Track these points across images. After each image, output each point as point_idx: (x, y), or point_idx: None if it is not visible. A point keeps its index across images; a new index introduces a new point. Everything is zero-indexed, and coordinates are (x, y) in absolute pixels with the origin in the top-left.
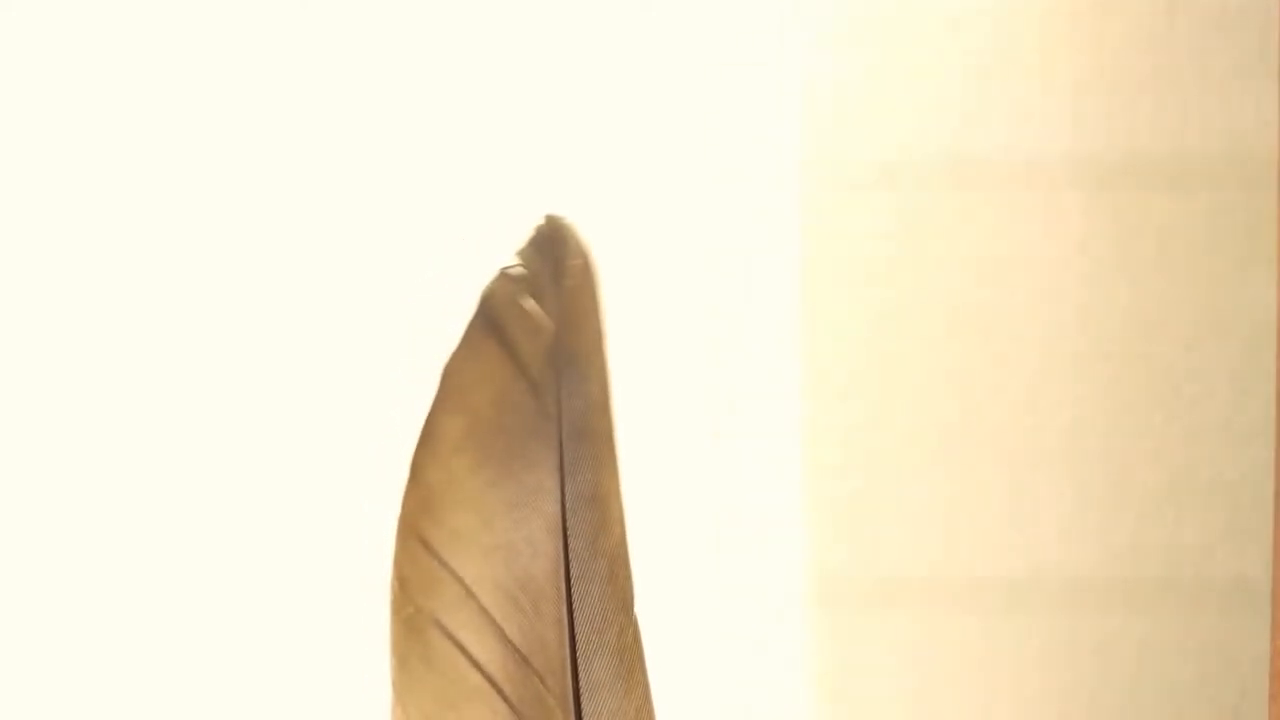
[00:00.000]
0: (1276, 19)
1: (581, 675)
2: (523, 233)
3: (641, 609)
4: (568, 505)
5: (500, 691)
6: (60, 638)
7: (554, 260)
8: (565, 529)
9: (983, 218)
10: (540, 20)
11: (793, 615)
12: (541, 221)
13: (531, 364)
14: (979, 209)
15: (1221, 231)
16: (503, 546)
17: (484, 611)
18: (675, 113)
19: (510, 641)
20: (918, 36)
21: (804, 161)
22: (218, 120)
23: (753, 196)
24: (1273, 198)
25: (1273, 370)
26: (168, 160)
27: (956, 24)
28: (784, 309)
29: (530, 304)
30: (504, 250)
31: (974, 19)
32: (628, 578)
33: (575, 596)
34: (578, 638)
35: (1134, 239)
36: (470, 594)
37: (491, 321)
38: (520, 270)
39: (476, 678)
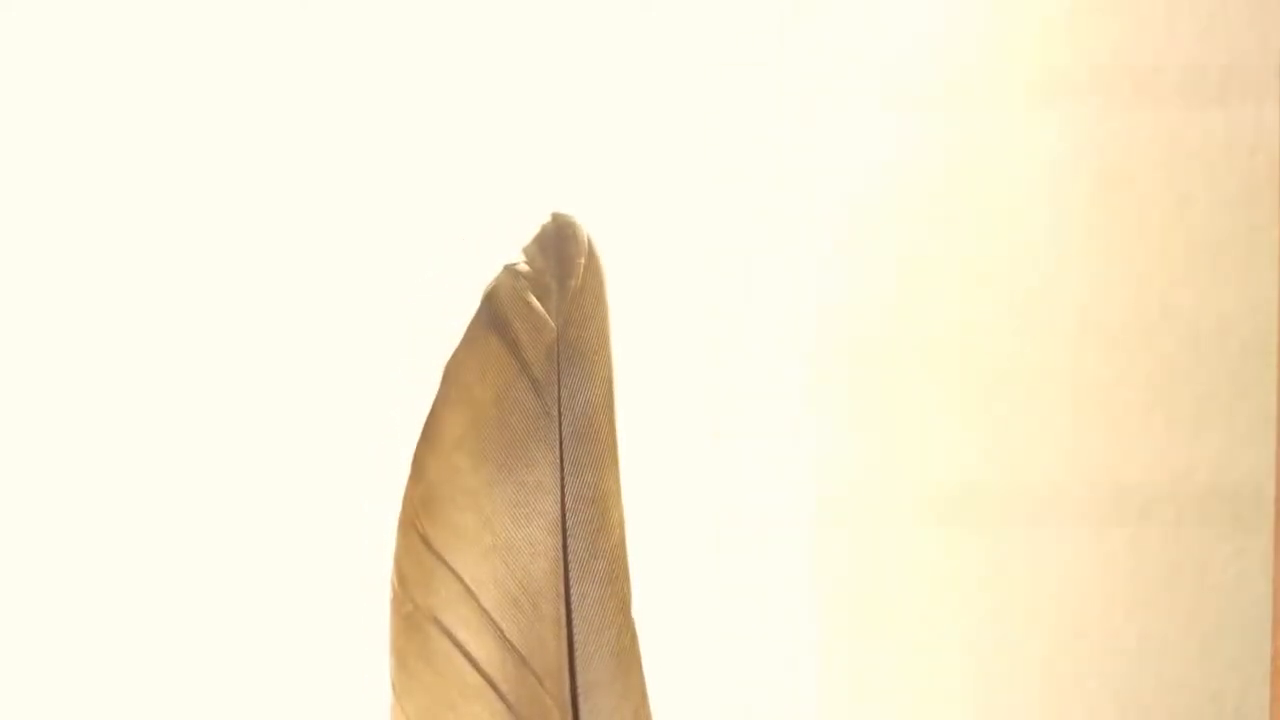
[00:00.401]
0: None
1: (579, 676)
2: (524, 232)
3: (641, 609)
4: (568, 505)
5: (498, 691)
6: (60, 638)
7: (560, 258)
8: (565, 529)
9: (983, 221)
10: (541, 20)
11: (793, 614)
12: (548, 219)
13: (534, 362)
14: (979, 212)
15: (1222, 231)
16: (502, 545)
17: (483, 610)
18: (675, 113)
19: (508, 641)
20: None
21: (805, 165)
22: (219, 120)
23: (753, 196)
24: (1274, 197)
25: (1273, 370)
26: (168, 160)
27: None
28: (784, 309)
29: (534, 301)
30: (503, 250)
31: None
32: (626, 579)
33: (574, 597)
34: (576, 638)
35: (1135, 236)
36: (469, 592)
37: (495, 317)
38: (525, 267)
39: (474, 677)
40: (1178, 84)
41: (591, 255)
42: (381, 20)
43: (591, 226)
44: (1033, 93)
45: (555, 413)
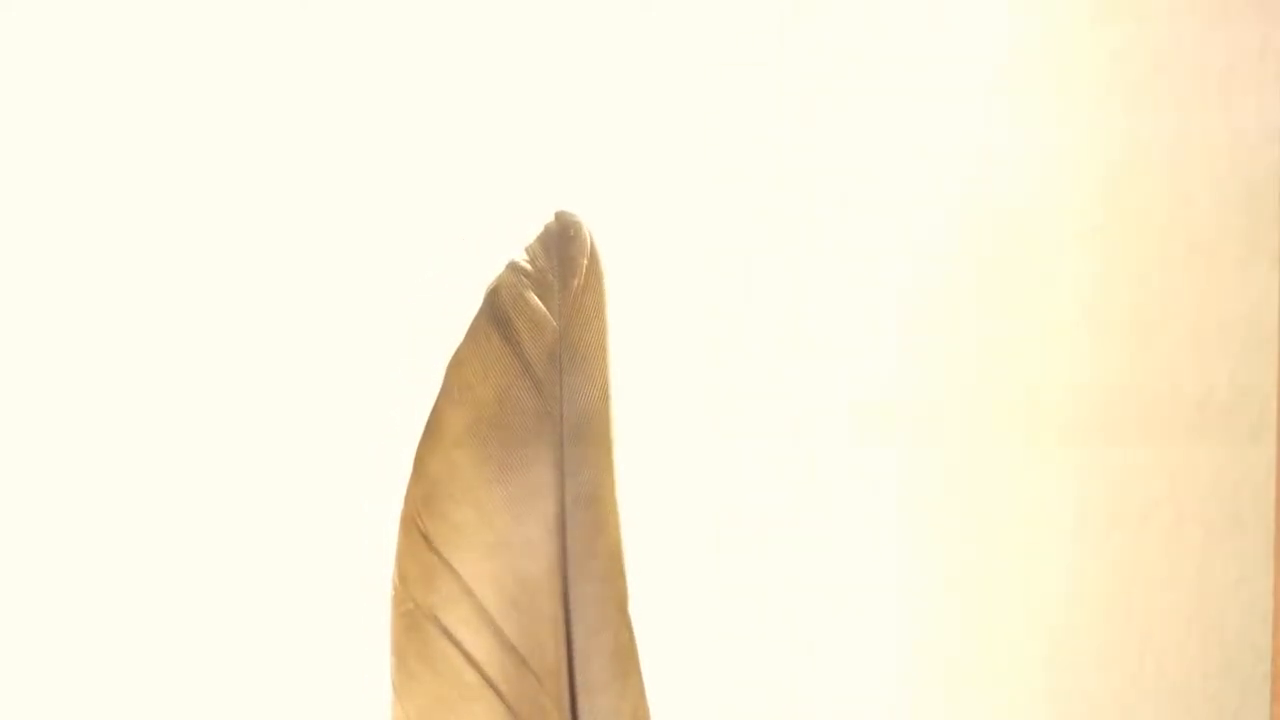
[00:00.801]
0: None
1: (578, 675)
2: (525, 232)
3: (641, 609)
4: (566, 505)
5: (497, 690)
6: (60, 638)
7: (562, 258)
8: (564, 529)
9: (983, 220)
10: (542, 20)
11: (794, 613)
12: (551, 219)
13: (536, 362)
14: (978, 211)
15: (1222, 231)
16: (502, 544)
17: (482, 609)
18: (675, 113)
19: (508, 640)
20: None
21: (805, 164)
22: (219, 120)
23: (753, 196)
24: (1274, 197)
25: (1273, 370)
26: (169, 160)
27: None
28: (784, 309)
29: (535, 300)
30: (504, 249)
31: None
32: (624, 579)
33: (572, 597)
34: (574, 638)
35: (1135, 238)
36: (469, 590)
37: (498, 314)
38: (528, 265)
39: (474, 676)
40: (1178, 84)
41: (594, 256)
42: (383, 20)
43: (592, 226)
44: (1034, 93)
45: (556, 413)
